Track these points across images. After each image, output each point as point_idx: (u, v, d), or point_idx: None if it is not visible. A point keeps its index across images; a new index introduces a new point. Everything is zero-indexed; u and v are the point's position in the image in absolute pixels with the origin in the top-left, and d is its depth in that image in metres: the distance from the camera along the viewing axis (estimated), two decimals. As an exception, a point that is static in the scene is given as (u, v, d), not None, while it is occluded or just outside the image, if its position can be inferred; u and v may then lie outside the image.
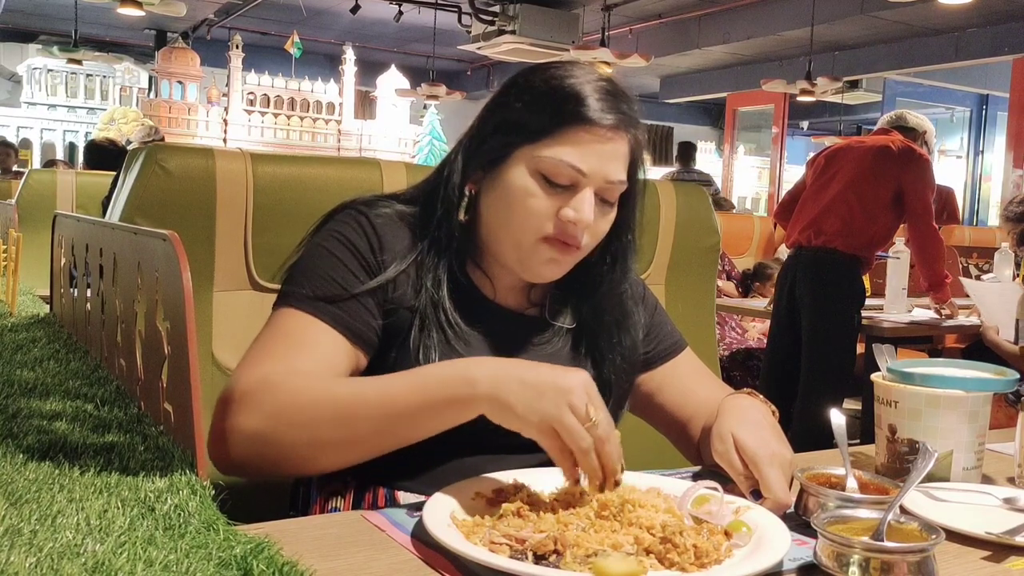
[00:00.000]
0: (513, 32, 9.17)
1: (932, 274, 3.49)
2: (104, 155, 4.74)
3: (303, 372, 0.94)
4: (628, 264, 1.12)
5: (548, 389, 0.86)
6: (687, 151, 7.65)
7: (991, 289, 3.67)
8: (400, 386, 0.91)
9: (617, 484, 0.87)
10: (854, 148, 3.57)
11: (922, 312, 3.68)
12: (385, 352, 1.03)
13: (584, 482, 0.88)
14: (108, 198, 3.11)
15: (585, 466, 0.86)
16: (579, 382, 0.87)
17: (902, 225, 3.53)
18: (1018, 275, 3.63)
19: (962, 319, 3.63)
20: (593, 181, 1.00)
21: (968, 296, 3.67)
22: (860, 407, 3.49)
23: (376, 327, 1.02)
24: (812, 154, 3.86)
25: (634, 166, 1.05)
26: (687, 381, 1.19)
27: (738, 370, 4.11)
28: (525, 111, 1.02)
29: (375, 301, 1.02)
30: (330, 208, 1.09)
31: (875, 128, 3.79)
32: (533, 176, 1.00)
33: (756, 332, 4.41)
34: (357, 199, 1.08)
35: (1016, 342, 3.11)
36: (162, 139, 5.03)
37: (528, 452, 0.95)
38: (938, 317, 3.58)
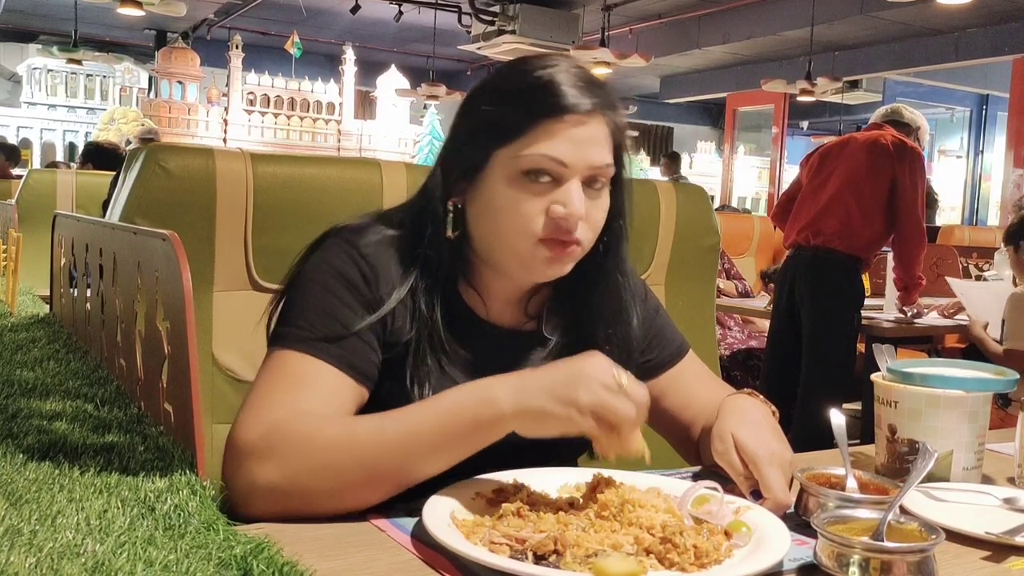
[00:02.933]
0: (513, 32, 9.17)
1: (908, 275, 3.49)
2: (103, 157, 4.74)
3: (312, 414, 0.90)
4: (621, 252, 1.09)
5: (575, 379, 0.86)
6: (676, 158, 8.92)
7: (979, 287, 3.68)
8: (421, 419, 0.88)
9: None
10: (847, 145, 3.57)
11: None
12: (381, 382, 0.99)
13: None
14: (108, 200, 3.11)
15: (628, 438, 0.86)
16: (597, 360, 0.88)
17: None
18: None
19: (960, 319, 3.64)
20: (577, 170, 0.97)
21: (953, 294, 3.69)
22: (860, 407, 3.49)
23: (377, 362, 0.99)
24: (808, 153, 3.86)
25: (619, 150, 1.02)
26: (690, 385, 1.18)
27: (738, 370, 4.11)
28: (496, 112, 0.99)
29: (375, 335, 0.98)
30: (330, 208, 1.08)
31: (869, 122, 3.78)
32: (515, 179, 0.97)
33: (763, 326, 4.41)
34: (345, 226, 1.03)
35: (1001, 341, 3.12)
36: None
37: (527, 451, 0.95)
38: (903, 316, 3.59)
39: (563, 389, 0.86)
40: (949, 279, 3.74)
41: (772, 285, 4.53)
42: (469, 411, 0.87)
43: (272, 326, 1.01)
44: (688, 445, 1.16)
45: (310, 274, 1.00)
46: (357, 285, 0.98)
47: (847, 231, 3.44)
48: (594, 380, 0.86)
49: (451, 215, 1.02)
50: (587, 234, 1.00)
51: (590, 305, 1.09)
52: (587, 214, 0.99)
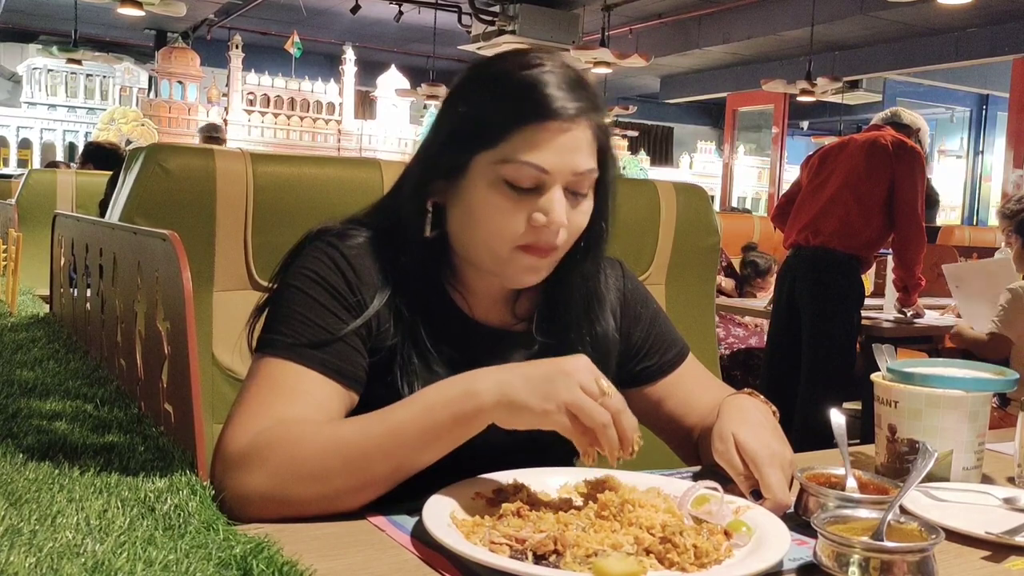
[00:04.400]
0: (513, 32, 9.17)
1: (908, 275, 3.50)
2: (102, 157, 4.74)
3: (299, 420, 0.90)
4: (599, 253, 1.07)
5: (555, 376, 0.86)
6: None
7: (974, 267, 3.66)
8: (405, 416, 0.88)
9: (633, 454, 0.87)
10: (846, 146, 3.59)
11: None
12: (369, 385, 0.99)
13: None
14: (105, 201, 3.11)
15: (605, 441, 0.85)
16: (582, 363, 0.88)
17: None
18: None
19: (951, 318, 3.64)
20: (560, 177, 0.95)
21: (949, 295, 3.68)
22: (860, 407, 3.49)
23: (364, 365, 0.98)
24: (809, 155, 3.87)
25: (603, 153, 1.00)
26: (691, 389, 1.17)
27: (738, 370, 4.11)
28: (479, 114, 0.97)
29: (360, 339, 0.98)
30: (330, 208, 1.08)
31: (869, 125, 3.80)
32: (497, 185, 0.95)
33: (751, 321, 4.42)
34: (326, 229, 1.02)
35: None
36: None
37: (527, 452, 0.95)
38: (902, 316, 3.59)
39: (543, 384, 0.86)
40: (945, 267, 3.72)
41: (759, 280, 4.56)
42: (452, 404, 0.87)
43: (256, 333, 1.00)
44: (689, 449, 1.16)
45: (293, 280, 0.98)
46: (341, 290, 0.98)
47: (846, 231, 3.45)
48: (574, 380, 0.86)
49: (430, 215, 1.01)
50: (566, 237, 0.99)
51: (568, 304, 1.08)
52: (568, 220, 0.98)
